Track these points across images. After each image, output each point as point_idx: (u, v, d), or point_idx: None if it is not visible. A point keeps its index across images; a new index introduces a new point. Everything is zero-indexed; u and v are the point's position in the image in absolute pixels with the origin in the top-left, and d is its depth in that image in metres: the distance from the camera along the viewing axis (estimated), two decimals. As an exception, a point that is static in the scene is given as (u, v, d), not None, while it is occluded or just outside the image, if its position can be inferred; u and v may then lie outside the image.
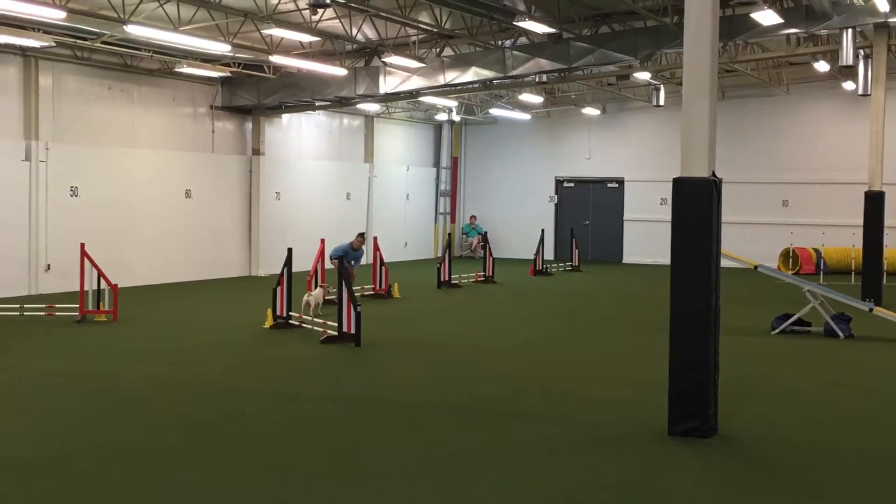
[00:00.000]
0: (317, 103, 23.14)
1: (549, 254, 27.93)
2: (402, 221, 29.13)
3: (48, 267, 18.18)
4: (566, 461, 7.47)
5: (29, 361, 11.58)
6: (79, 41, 17.27)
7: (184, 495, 6.54)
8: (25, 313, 15.05)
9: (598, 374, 11.34)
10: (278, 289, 14.49)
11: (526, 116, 29.17)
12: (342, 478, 6.92)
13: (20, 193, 17.85)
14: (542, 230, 25.48)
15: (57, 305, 15.37)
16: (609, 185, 29.55)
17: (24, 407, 9.15)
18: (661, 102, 24.87)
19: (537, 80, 21.25)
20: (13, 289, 17.48)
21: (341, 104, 23.39)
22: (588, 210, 29.93)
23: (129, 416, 8.82)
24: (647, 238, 28.14)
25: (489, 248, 22.97)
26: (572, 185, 30.17)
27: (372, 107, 25.45)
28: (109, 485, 6.74)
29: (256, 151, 23.28)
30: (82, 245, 14.85)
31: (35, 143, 18.01)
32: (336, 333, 13.03)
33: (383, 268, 18.90)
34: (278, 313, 14.54)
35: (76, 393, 9.83)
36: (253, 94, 22.01)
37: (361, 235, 17.72)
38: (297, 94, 21.86)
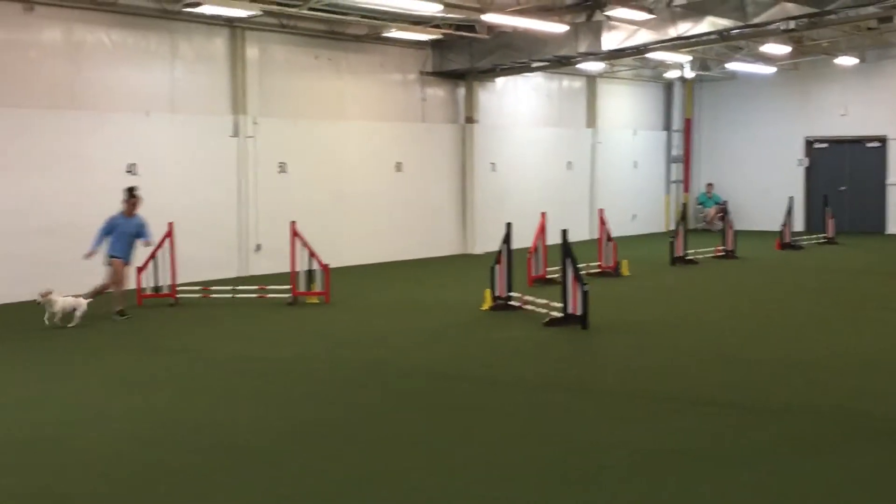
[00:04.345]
0: (533, 64, 23.07)
1: (798, 225, 27.02)
2: (630, 192, 28.75)
3: (258, 247, 19.04)
4: (834, 457, 7.16)
5: (243, 345, 12.16)
6: (285, 8, 17.91)
7: (412, 488, 6.68)
8: (237, 295, 15.81)
9: (869, 360, 10.78)
10: (497, 267, 14.58)
11: (769, 70, 28.11)
12: (573, 472, 6.90)
13: (229, 171, 18.74)
14: (791, 198, 24.56)
15: (268, 287, 16.07)
16: (868, 144, 28.13)
17: (240, 392, 9.61)
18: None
19: (783, 27, 20.40)
20: (225, 270, 18.40)
21: (560, 64, 23.24)
22: (844, 174, 28.63)
23: (349, 403, 9.11)
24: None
25: (729, 220, 22.35)
26: (825, 145, 28.93)
27: (594, 66, 25.18)
28: (335, 476, 6.95)
29: (469, 119, 23.50)
30: (292, 224, 15.45)
31: (243, 118, 18.85)
32: (561, 315, 12.99)
33: (610, 243, 18.72)
34: (497, 294, 14.64)
35: (293, 378, 10.23)
36: (465, 58, 22.19)
37: (131, 192, 14.44)
38: (513, 56, 21.87)
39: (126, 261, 14.45)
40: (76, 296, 13.47)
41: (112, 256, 14.26)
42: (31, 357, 11.43)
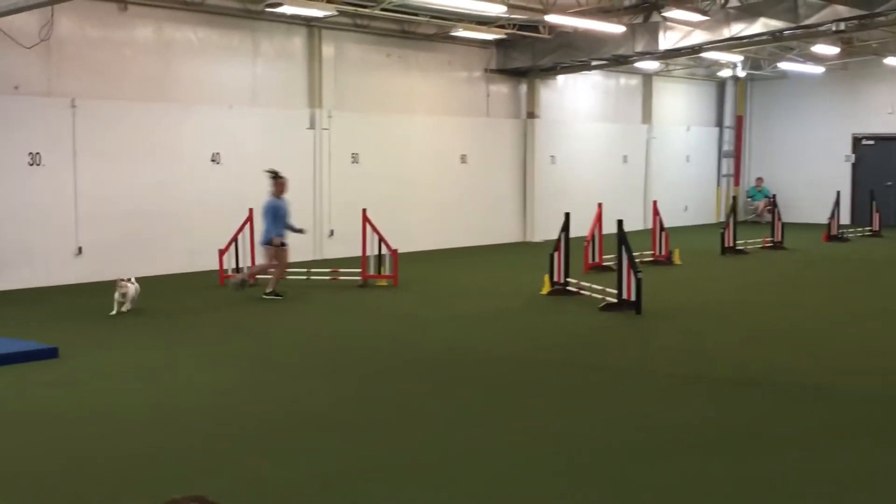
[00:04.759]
0: (593, 63, 23.00)
1: (844, 218, 26.56)
2: (682, 184, 28.50)
3: (331, 233, 19.22)
4: (877, 443, 7.10)
5: (316, 324, 12.34)
6: (359, 9, 18.03)
7: (478, 457, 6.76)
8: (312, 277, 16.00)
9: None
10: (555, 254, 14.59)
11: (819, 69, 27.69)
12: (629, 450, 6.92)
13: (305, 161, 18.92)
14: (838, 192, 24.19)
15: (340, 270, 16.23)
16: (915, 141, 27.71)
17: (314, 367, 9.74)
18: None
19: (833, 28, 20.09)
20: (300, 254, 18.51)
21: (618, 63, 23.13)
22: (890, 169, 28.14)
23: (415, 379, 9.21)
24: (960, 200, 26.18)
25: (777, 213, 22.10)
26: (872, 142, 28.45)
27: (650, 65, 25.01)
28: (397, 447, 7.04)
29: (531, 114, 23.48)
30: (363, 211, 15.58)
31: (318, 112, 19.02)
32: (615, 301, 12.98)
33: (663, 233, 18.64)
34: (555, 279, 14.65)
35: (363, 355, 10.33)
36: (528, 56, 22.15)
37: (276, 175, 14.09)
38: (573, 55, 21.80)
39: (285, 243, 14.43)
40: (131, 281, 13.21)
41: (278, 244, 14.13)
42: (127, 333, 11.69)
